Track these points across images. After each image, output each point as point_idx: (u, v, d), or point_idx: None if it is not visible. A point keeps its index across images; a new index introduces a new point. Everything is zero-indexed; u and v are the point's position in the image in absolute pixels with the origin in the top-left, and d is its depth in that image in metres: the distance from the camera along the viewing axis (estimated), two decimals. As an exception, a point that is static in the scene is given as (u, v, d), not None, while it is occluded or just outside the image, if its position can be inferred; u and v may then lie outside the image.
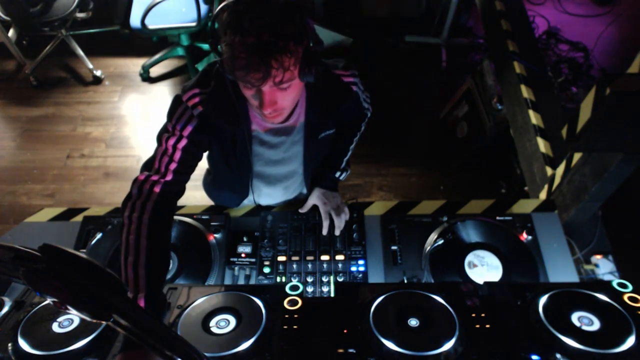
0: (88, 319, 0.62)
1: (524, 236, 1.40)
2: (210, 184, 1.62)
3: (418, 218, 1.48)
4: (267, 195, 1.52)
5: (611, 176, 1.45)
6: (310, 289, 1.33)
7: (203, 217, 1.48)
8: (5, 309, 1.11)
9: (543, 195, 1.89)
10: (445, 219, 1.46)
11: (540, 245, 1.39)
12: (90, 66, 3.45)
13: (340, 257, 1.39)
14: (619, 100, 1.15)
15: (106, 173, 3.00)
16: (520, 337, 0.94)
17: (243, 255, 1.41)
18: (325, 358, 0.93)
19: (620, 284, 1.03)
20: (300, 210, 1.49)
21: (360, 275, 1.36)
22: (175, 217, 1.47)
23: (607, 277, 1.59)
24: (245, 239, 1.45)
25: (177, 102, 1.19)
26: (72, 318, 1.03)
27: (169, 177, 1.17)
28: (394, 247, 1.41)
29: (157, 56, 3.45)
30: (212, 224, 1.47)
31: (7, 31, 3.50)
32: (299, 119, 1.28)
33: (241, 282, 1.37)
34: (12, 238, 1.51)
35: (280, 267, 1.38)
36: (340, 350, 0.93)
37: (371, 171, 2.98)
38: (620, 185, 1.50)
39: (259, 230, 1.46)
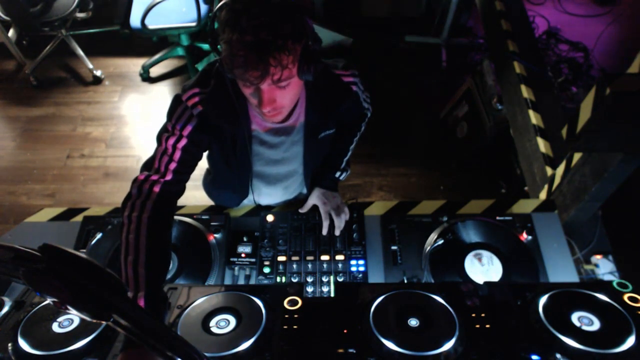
0: (88, 319, 0.62)
1: (524, 236, 1.40)
2: (210, 184, 1.62)
3: (418, 218, 1.48)
4: (267, 195, 1.52)
5: (611, 176, 1.45)
6: (310, 289, 1.33)
7: (203, 217, 1.48)
8: (5, 309, 1.11)
9: (543, 195, 1.89)
10: (445, 219, 1.46)
11: (540, 245, 1.39)
12: (90, 66, 3.45)
13: (340, 257, 1.39)
14: (619, 100, 1.15)
15: (106, 173, 3.00)
16: (520, 337, 0.94)
17: (243, 255, 1.41)
18: (325, 358, 0.93)
19: (620, 284, 1.03)
20: (300, 210, 1.49)
21: (360, 275, 1.36)
22: (175, 217, 1.47)
23: (607, 277, 1.59)
24: (245, 239, 1.45)
25: (176, 102, 1.19)
26: (72, 318, 1.03)
27: (168, 177, 1.17)
28: (394, 247, 1.41)
29: (157, 56, 3.45)
30: (212, 224, 1.47)
31: (7, 31, 3.50)
32: (299, 119, 1.28)
33: (241, 282, 1.37)
34: (12, 238, 1.51)
35: (280, 267, 1.38)
36: (340, 350, 0.93)
37: (371, 171, 2.98)
38: (620, 185, 1.50)
39: (259, 230, 1.46)
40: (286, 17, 0.94)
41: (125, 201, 1.14)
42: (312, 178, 1.50)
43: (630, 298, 1.00)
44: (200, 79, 1.19)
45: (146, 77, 3.52)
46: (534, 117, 2.09)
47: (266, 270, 1.37)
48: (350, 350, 0.93)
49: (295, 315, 1.00)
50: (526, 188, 2.14)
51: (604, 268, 1.61)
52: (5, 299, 1.15)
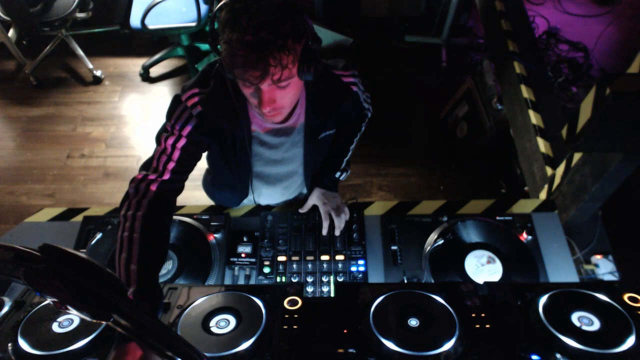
0: (88, 319, 0.62)
1: (524, 236, 1.40)
2: (210, 184, 1.62)
3: (418, 218, 1.48)
4: (267, 195, 1.53)
5: (611, 176, 1.45)
6: (310, 289, 1.33)
7: (203, 217, 1.48)
8: (5, 309, 1.11)
9: (543, 195, 1.89)
10: (445, 219, 1.46)
11: (540, 245, 1.39)
12: (90, 66, 3.45)
13: (340, 257, 1.39)
14: (619, 100, 1.15)
15: (106, 173, 3.00)
16: (520, 337, 0.94)
17: (243, 255, 1.41)
18: (325, 358, 0.93)
19: (620, 284, 1.03)
20: (300, 210, 1.49)
21: (360, 275, 1.36)
22: (175, 217, 1.47)
23: (607, 277, 1.58)
24: (245, 239, 1.45)
25: (176, 102, 1.19)
26: (72, 318, 1.03)
27: (166, 176, 1.17)
28: (394, 247, 1.41)
29: (157, 56, 3.45)
30: (212, 224, 1.47)
31: (7, 31, 3.50)
32: (299, 120, 1.28)
33: (241, 282, 1.37)
34: (12, 238, 1.51)
35: (280, 267, 1.38)
36: (340, 350, 0.93)
37: (371, 171, 2.98)
38: (620, 185, 1.50)
39: (259, 230, 1.46)
40: (286, 17, 0.94)
41: (123, 200, 1.14)
42: (312, 178, 1.50)
43: (630, 298, 1.00)
44: (199, 79, 1.19)
45: (146, 77, 3.51)
46: (534, 117, 2.09)
47: (266, 270, 1.37)
48: (350, 350, 0.92)
49: (295, 315, 1.00)
50: (526, 188, 2.14)
51: (604, 268, 1.61)
52: (5, 299, 1.15)
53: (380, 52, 3.62)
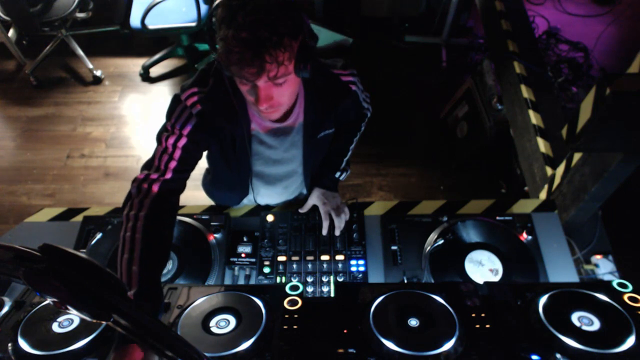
0: (88, 319, 0.62)
1: (524, 236, 1.40)
2: (210, 184, 1.62)
3: (418, 218, 1.48)
4: (266, 195, 1.53)
5: (611, 176, 1.45)
6: (310, 289, 1.33)
7: (203, 217, 1.48)
8: (5, 309, 1.11)
9: (543, 195, 1.89)
10: (445, 219, 1.46)
11: (540, 245, 1.39)
12: (90, 66, 3.45)
13: (340, 257, 1.39)
14: (619, 100, 1.15)
15: (106, 173, 3.00)
16: (520, 337, 0.94)
17: (243, 255, 1.41)
18: (325, 358, 0.93)
19: (620, 284, 1.03)
20: (300, 210, 1.49)
21: (360, 275, 1.36)
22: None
23: (607, 277, 1.58)
24: (245, 239, 1.44)
25: (175, 102, 1.19)
26: (72, 318, 1.03)
27: (168, 175, 1.17)
28: (394, 247, 1.41)
29: (157, 56, 3.45)
30: (212, 224, 1.47)
31: (7, 31, 3.50)
32: (298, 119, 1.28)
33: (241, 282, 1.37)
34: (12, 238, 1.51)
35: (280, 267, 1.38)
36: (340, 350, 0.93)
37: (371, 171, 2.98)
38: (620, 185, 1.50)
39: (259, 230, 1.46)
40: (282, 14, 0.94)
41: (126, 200, 1.14)
42: (312, 178, 1.50)
43: (630, 298, 1.00)
44: (198, 78, 1.19)
45: (146, 77, 3.51)
46: (534, 117, 2.09)
47: (266, 270, 1.37)
48: (350, 350, 0.92)
49: (295, 315, 1.00)
50: (526, 188, 2.14)
51: (604, 268, 1.61)
52: (5, 299, 1.15)
53: (380, 52, 3.62)
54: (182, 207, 1.56)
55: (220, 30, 0.96)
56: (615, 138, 1.28)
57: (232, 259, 1.40)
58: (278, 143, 1.32)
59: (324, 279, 1.35)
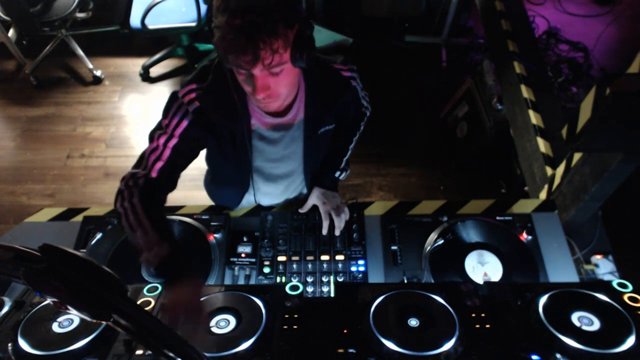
0: (88, 319, 0.62)
1: (524, 236, 1.40)
2: (210, 183, 1.62)
3: (418, 218, 1.48)
4: (267, 193, 1.52)
5: (611, 176, 1.45)
6: (310, 289, 1.33)
7: (203, 217, 1.48)
8: (5, 309, 1.11)
9: (543, 195, 1.89)
10: (445, 219, 1.46)
11: (540, 245, 1.39)
12: (90, 66, 3.45)
13: (340, 257, 1.39)
14: (619, 100, 1.15)
15: (106, 173, 3.00)
16: (520, 337, 0.94)
17: (243, 255, 1.41)
18: (325, 358, 0.93)
19: (620, 284, 1.03)
20: (300, 210, 1.49)
21: (360, 275, 1.36)
22: (175, 217, 1.47)
23: (607, 277, 1.58)
24: (245, 239, 1.44)
25: (173, 99, 1.20)
26: (72, 318, 1.03)
27: (153, 174, 1.19)
28: (394, 247, 1.41)
29: (157, 56, 3.45)
30: (212, 224, 1.47)
31: (7, 31, 3.50)
32: (299, 114, 1.27)
33: (241, 282, 1.37)
34: (12, 238, 1.51)
35: (280, 267, 1.38)
36: (340, 350, 0.93)
37: (371, 171, 2.98)
38: (620, 185, 1.50)
39: (259, 230, 1.46)
40: (277, 1, 0.94)
41: (116, 196, 1.18)
42: (312, 178, 1.49)
43: (630, 298, 1.00)
44: (198, 74, 1.20)
45: (146, 77, 3.52)
46: (534, 117, 2.09)
47: (266, 270, 1.37)
48: (350, 350, 0.92)
49: (295, 315, 1.00)
50: (526, 188, 2.14)
51: (604, 268, 1.61)
52: (5, 299, 1.15)
53: (380, 52, 3.62)
54: (182, 207, 1.56)
55: (216, 19, 0.97)
56: (615, 138, 1.28)
57: (232, 259, 1.40)
58: (279, 139, 1.31)
59: (324, 279, 1.35)
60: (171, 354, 0.69)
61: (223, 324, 0.99)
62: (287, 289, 1.06)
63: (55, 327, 1.01)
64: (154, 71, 3.54)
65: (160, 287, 1.10)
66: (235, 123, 1.23)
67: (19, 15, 3.01)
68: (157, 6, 2.87)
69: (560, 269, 1.36)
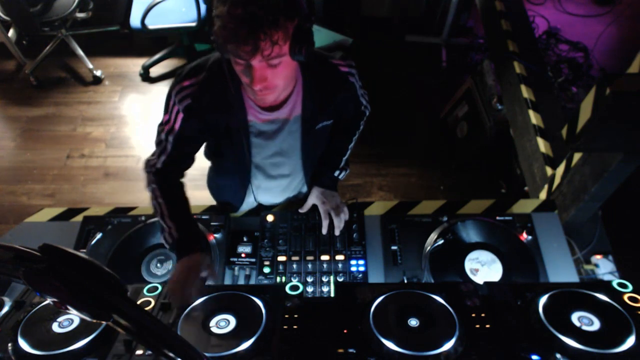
0: (88, 319, 0.62)
1: (524, 236, 1.40)
2: (212, 180, 1.63)
3: (418, 218, 1.48)
4: (267, 191, 1.52)
5: (611, 176, 1.45)
6: (310, 289, 1.33)
7: (203, 217, 1.48)
8: (5, 309, 1.11)
9: (543, 195, 1.89)
10: (445, 219, 1.46)
11: (540, 245, 1.39)
12: (90, 66, 3.45)
13: (340, 257, 1.39)
14: (619, 100, 1.15)
15: (106, 173, 3.00)
16: (520, 337, 0.94)
17: (243, 255, 1.41)
18: (325, 358, 0.93)
19: (620, 284, 1.03)
20: (300, 210, 1.49)
21: (360, 275, 1.36)
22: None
23: (607, 277, 1.58)
24: (245, 239, 1.45)
25: (168, 95, 1.23)
26: (72, 318, 1.03)
27: (159, 166, 1.29)
28: (394, 247, 1.41)
29: (157, 56, 3.45)
30: (212, 224, 1.47)
31: (7, 31, 3.50)
32: (295, 108, 1.27)
33: (241, 282, 1.37)
34: (12, 238, 1.51)
35: (280, 267, 1.38)
36: (340, 350, 0.93)
37: (371, 171, 2.98)
38: (620, 185, 1.50)
39: (259, 230, 1.46)
40: None
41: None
42: (311, 177, 1.49)
43: (630, 298, 1.00)
44: (191, 71, 1.21)
45: (146, 77, 3.52)
46: (534, 117, 2.09)
47: (266, 270, 1.37)
48: (350, 350, 0.92)
49: (295, 315, 1.00)
50: (526, 188, 2.14)
51: (604, 268, 1.61)
52: (5, 299, 1.15)
53: (380, 52, 3.62)
54: (182, 207, 1.56)
55: (217, 9, 0.97)
56: (615, 138, 1.28)
57: (232, 259, 1.40)
58: (275, 133, 1.31)
59: (324, 279, 1.35)
60: (171, 354, 0.69)
61: (223, 324, 0.99)
62: (287, 289, 1.06)
63: (55, 327, 1.01)
64: (154, 71, 3.54)
65: (160, 287, 1.10)
66: (231, 118, 1.24)
67: (19, 15, 3.01)
68: (157, 6, 2.87)
69: (560, 269, 1.36)
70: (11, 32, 3.57)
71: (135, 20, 2.96)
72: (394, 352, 0.90)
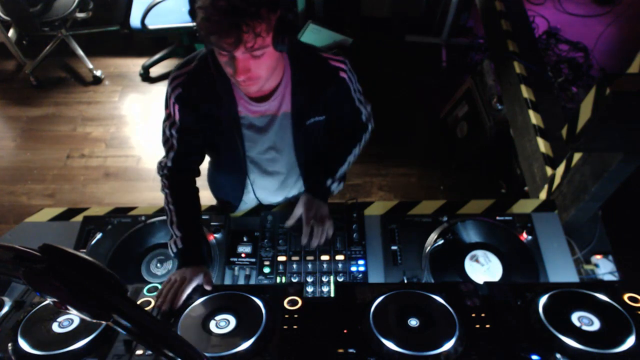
0: (88, 319, 0.62)
1: (524, 236, 1.40)
2: (211, 176, 1.63)
3: (418, 218, 1.48)
4: (264, 188, 1.51)
5: (611, 176, 1.45)
6: (310, 289, 1.33)
7: (203, 217, 1.48)
8: (5, 309, 1.11)
9: (543, 195, 1.88)
10: (445, 219, 1.46)
11: (540, 245, 1.39)
12: (90, 66, 3.45)
13: (340, 257, 1.39)
14: (619, 100, 1.15)
15: (106, 173, 3.00)
16: (520, 337, 0.94)
17: (243, 255, 1.41)
18: (325, 358, 0.93)
19: (631, 298, 1.01)
20: (285, 225, 1.39)
21: (360, 275, 1.36)
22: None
23: (607, 277, 1.58)
24: (245, 239, 1.45)
25: (166, 91, 1.27)
26: (72, 318, 1.03)
27: (169, 164, 1.31)
28: (394, 247, 1.41)
29: (157, 56, 3.45)
30: (212, 224, 1.47)
31: (7, 31, 3.50)
32: (284, 101, 1.26)
33: (241, 282, 1.37)
34: (12, 238, 1.51)
35: (280, 267, 1.38)
36: (340, 350, 0.93)
37: (371, 171, 2.98)
38: (620, 185, 1.50)
39: (259, 230, 1.46)
40: None
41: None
42: (304, 182, 1.49)
43: (630, 298, 1.00)
44: (183, 62, 1.25)
45: (146, 77, 3.51)
46: (534, 117, 2.09)
47: (266, 270, 1.37)
48: (350, 350, 0.93)
49: (295, 315, 1.00)
50: (526, 188, 2.14)
51: (604, 268, 1.60)
52: (5, 299, 1.15)
53: (380, 52, 3.62)
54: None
55: (200, 0, 0.98)
56: (615, 138, 1.28)
57: (232, 259, 1.40)
58: (267, 126, 1.30)
59: (324, 279, 1.35)
60: (171, 354, 0.69)
61: (223, 324, 0.99)
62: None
63: (55, 327, 1.01)
64: (154, 71, 3.54)
65: (160, 287, 1.10)
66: (222, 109, 1.24)
67: (19, 15, 3.01)
68: (157, 6, 2.87)
69: (560, 269, 1.36)
70: (11, 32, 3.57)
71: (135, 20, 2.96)
72: (394, 352, 0.90)
